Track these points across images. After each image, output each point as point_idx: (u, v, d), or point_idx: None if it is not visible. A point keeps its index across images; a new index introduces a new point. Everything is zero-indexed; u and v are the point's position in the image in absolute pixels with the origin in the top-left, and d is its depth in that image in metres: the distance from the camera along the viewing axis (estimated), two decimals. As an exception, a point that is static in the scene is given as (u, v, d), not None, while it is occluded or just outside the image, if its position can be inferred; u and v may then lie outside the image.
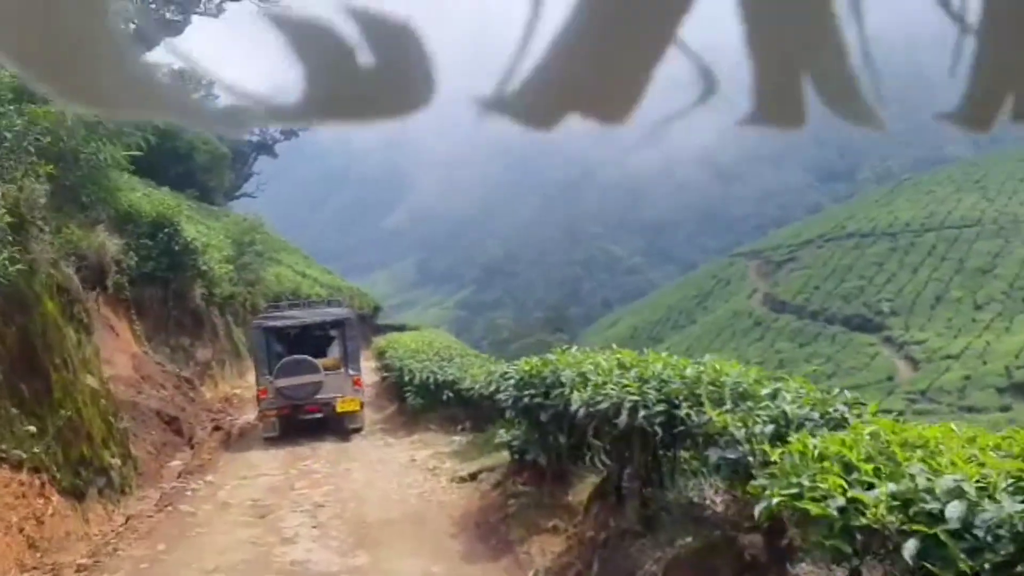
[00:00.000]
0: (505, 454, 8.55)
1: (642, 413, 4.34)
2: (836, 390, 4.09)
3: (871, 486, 2.66)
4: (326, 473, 10.37)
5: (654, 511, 4.66)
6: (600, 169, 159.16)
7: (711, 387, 4.19)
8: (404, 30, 0.40)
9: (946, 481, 2.51)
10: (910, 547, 2.36)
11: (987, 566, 2.24)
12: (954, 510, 2.37)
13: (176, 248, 17.16)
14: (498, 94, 0.42)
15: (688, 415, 4.09)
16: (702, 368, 4.54)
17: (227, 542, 7.35)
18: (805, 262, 75.94)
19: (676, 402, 4.35)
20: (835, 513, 2.61)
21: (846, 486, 2.68)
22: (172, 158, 33.49)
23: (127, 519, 8.27)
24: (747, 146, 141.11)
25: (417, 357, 14.01)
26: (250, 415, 15.86)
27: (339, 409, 12.93)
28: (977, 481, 2.51)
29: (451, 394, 12.03)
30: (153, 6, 30.84)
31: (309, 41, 0.39)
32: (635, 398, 4.43)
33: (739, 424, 3.71)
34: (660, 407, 4.34)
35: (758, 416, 3.72)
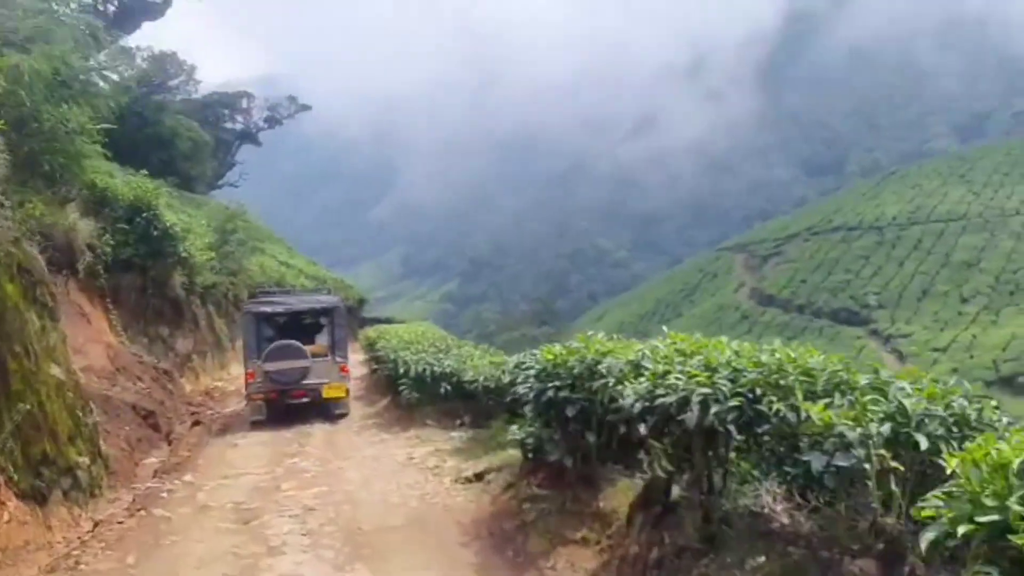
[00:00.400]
0: (514, 452, 7.80)
1: (714, 409, 3.57)
2: (952, 380, 3.35)
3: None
4: (316, 472, 9.58)
5: (717, 525, 3.91)
6: (590, 161, 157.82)
7: (803, 377, 3.42)
8: None
9: None
10: None
11: None
12: None
13: (155, 234, 16.36)
14: None
15: (778, 411, 3.32)
16: (778, 355, 3.77)
17: (205, 552, 6.51)
18: (792, 255, 75.83)
19: (754, 395, 3.59)
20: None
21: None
22: (154, 144, 32.35)
23: (95, 525, 7.44)
24: (736, 137, 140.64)
25: (411, 348, 13.24)
26: (234, 408, 15.05)
27: (325, 395, 13.16)
28: None
29: (449, 387, 11.28)
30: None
31: None
32: (705, 391, 3.67)
33: (849, 422, 2.96)
34: (735, 401, 3.58)
35: (872, 412, 2.98)
